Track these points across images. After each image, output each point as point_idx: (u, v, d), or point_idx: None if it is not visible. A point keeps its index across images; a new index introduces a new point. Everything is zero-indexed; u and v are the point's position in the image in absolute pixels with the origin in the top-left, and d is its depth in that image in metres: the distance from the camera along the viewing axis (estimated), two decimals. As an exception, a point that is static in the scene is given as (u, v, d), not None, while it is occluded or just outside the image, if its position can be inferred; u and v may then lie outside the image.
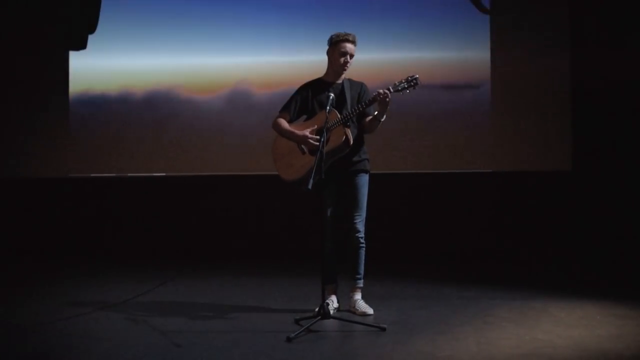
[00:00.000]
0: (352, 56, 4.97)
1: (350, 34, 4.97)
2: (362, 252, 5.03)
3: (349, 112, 4.84)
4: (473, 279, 6.17)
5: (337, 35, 4.97)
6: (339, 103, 4.94)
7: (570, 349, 4.09)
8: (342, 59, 4.95)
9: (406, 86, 4.77)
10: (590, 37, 7.38)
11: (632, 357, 3.95)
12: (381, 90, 4.76)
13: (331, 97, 4.77)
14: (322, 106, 4.89)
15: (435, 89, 7.59)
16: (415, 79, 4.78)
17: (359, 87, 5.05)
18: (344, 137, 4.81)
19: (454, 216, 7.57)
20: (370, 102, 4.83)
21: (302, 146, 4.95)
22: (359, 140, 5.00)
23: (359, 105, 4.86)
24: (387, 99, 4.76)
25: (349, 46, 4.95)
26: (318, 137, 4.79)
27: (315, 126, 4.89)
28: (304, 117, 5.08)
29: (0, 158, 7.95)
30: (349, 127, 4.87)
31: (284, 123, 5.03)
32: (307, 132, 4.92)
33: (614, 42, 7.29)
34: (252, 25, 7.86)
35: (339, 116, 4.83)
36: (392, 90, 4.77)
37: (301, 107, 5.05)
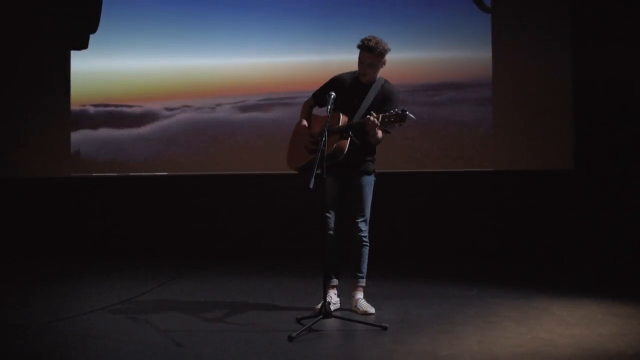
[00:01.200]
0: (370, 65, 4.87)
1: (371, 40, 4.82)
2: (365, 250, 5.01)
3: (346, 128, 4.82)
4: (474, 278, 6.16)
5: (361, 41, 4.86)
6: (359, 103, 4.92)
7: (572, 347, 4.08)
8: (359, 67, 4.93)
9: (392, 120, 4.65)
10: (592, 36, 7.37)
11: (633, 356, 3.94)
12: (371, 118, 4.71)
13: (332, 97, 4.75)
14: (342, 102, 4.84)
15: (436, 88, 7.58)
16: (403, 114, 4.59)
17: (386, 93, 4.96)
18: (334, 147, 4.81)
19: (456, 215, 7.56)
20: (359, 125, 4.79)
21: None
22: (365, 143, 4.97)
23: (354, 123, 4.84)
24: (376, 127, 4.70)
25: (364, 55, 4.85)
26: (316, 139, 4.83)
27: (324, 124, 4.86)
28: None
29: (0, 158, 7.95)
30: (346, 138, 4.82)
31: (306, 110, 5.09)
32: (313, 132, 4.97)
33: (615, 40, 7.27)
34: (252, 25, 7.85)
35: (343, 120, 4.84)
36: (379, 121, 4.69)
37: (326, 96, 4.97)
